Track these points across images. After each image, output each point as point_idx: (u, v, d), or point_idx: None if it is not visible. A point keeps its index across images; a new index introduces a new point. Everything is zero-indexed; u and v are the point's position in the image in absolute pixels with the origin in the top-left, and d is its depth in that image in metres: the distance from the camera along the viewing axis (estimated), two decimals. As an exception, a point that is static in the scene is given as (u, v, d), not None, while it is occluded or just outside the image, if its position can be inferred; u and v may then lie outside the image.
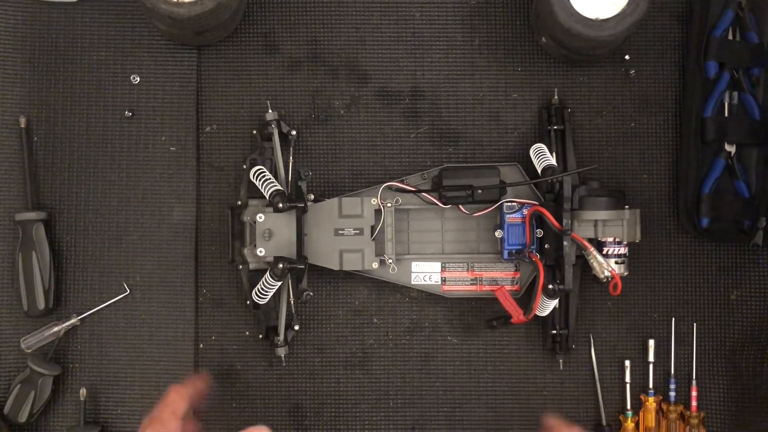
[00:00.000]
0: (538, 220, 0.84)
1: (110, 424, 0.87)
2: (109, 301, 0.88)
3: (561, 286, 0.81)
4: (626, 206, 0.83)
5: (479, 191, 0.83)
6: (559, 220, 0.81)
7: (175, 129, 0.89)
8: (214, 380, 0.88)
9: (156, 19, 0.82)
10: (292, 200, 0.82)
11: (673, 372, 0.88)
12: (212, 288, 0.89)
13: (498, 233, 0.85)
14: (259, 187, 0.82)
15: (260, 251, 0.82)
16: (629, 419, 0.88)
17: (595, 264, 0.80)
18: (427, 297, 0.89)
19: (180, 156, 0.89)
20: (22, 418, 0.85)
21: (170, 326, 0.88)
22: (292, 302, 0.87)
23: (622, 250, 0.83)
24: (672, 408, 0.88)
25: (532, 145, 0.85)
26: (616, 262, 0.83)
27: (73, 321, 0.87)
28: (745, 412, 0.87)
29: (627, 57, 0.89)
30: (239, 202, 0.85)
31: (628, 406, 0.88)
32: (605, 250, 0.82)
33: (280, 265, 0.79)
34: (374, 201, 0.85)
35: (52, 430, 0.87)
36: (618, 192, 0.85)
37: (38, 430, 0.87)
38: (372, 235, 0.84)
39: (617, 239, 0.83)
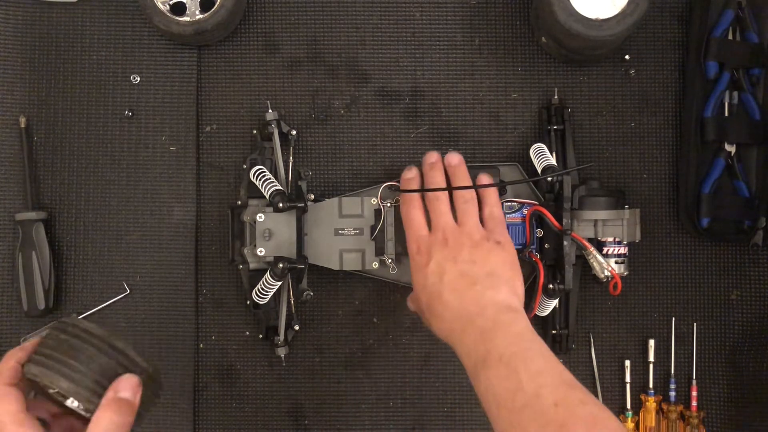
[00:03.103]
0: (538, 220, 0.84)
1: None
2: (109, 301, 0.88)
3: (561, 286, 0.81)
4: (626, 206, 0.83)
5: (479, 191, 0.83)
6: (559, 220, 0.81)
7: (175, 129, 0.89)
8: (214, 380, 0.88)
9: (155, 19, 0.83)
10: (292, 200, 0.82)
11: (673, 372, 0.88)
12: (212, 288, 0.89)
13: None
14: (260, 187, 0.83)
15: (260, 251, 0.82)
16: (629, 419, 0.88)
17: (595, 264, 0.80)
18: (427, 297, 0.89)
19: (180, 156, 0.89)
20: (22, 418, 0.84)
21: (170, 326, 0.88)
22: (292, 302, 0.87)
23: (622, 250, 0.83)
24: (672, 408, 0.88)
25: (532, 145, 0.85)
26: (616, 262, 0.83)
27: (73, 321, 0.87)
28: (745, 412, 0.87)
29: (627, 57, 0.89)
30: (239, 202, 0.85)
31: (628, 406, 0.88)
32: (605, 249, 0.82)
33: (281, 265, 0.79)
34: (374, 201, 0.85)
35: (52, 430, 0.87)
36: (618, 192, 0.85)
37: (38, 430, 0.87)
38: (372, 235, 0.84)
39: (617, 239, 0.83)
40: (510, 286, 0.72)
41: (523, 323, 0.69)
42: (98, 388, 0.62)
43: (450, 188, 0.78)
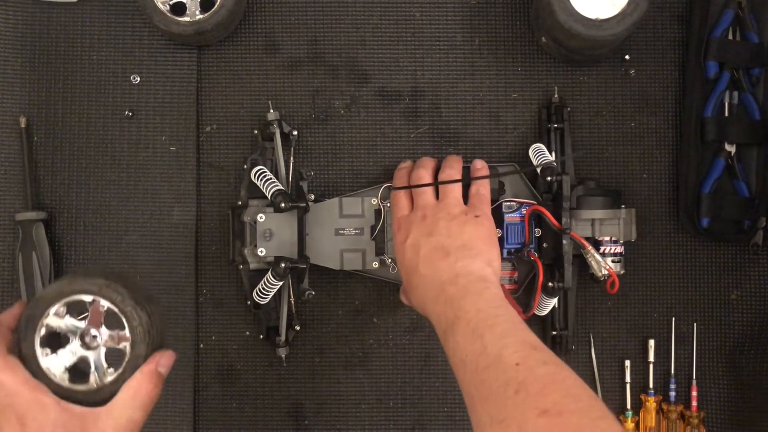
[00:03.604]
0: (537, 220, 0.84)
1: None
2: (109, 301, 0.88)
3: (560, 284, 0.81)
4: (622, 205, 0.83)
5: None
6: (558, 219, 0.81)
7: (175, 129, 0.89)
8: (214, 380, 0.88)
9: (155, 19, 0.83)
10: (293, 200, 0.82)
11: (673, 372, 0.88)
12: (212, 288, 0.89)
13: (497, 232, 0.85)
14: (261, 188, 0.83)
15: (261, 251, 0.82)
16: (629, 419, 0.88)
17: (593, 262, 0.81)
18: (427, 297, 0.89)
19: (180, 156, 0.89)
20: (22, 417, 0.85)
21: (170, 326, 0.88)
22: (292, 302, 0.87)
23: (619, 249, 0.83)
24: (672, 408, 0.88)
25: (531, 145, 0.85)
26: (613, 261, 0.83)
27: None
28: (745, 412, 0.87)
29: (627, 57, 0.89)
30: (239, 203, 0.85)
31: (628, 406, 0.88)
32: (602, 249, 0.83)
33: (282, 265, 0.79)
34: (374, 201, 0.85)
35: (52, 430, 0.87)
36: (614, 192, 0.85)
37: (38, 430, 0.87)
38: (372, 235, 0.84)
39: (613, 238, 0.83)
40: (484, 258, 0.74)
41: (494, 291, 0.70)
42: (157, 341, 0.64)
43: (436, 183, 0.80)
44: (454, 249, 0.74)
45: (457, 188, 0.79)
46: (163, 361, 0.64)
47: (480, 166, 0.83)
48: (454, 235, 0.75)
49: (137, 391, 0.62)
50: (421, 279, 0.74)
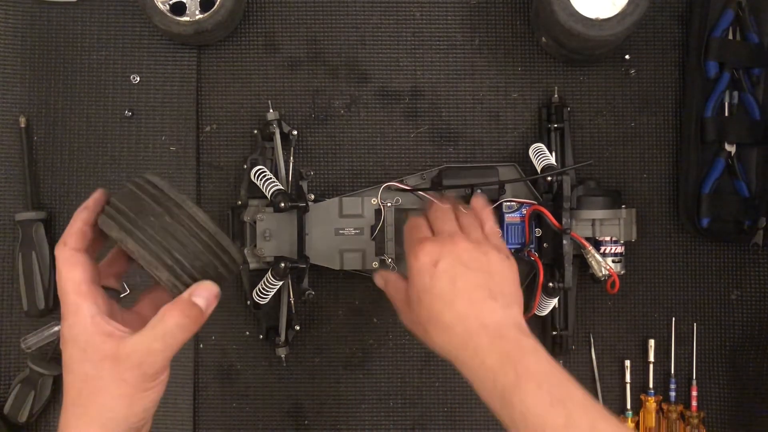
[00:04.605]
0: (537, 219, 0.84)
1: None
2: (109, 301, 0.88)
3: (561, 284, 0.81)
4: (623, 206, 0.84)
5: (478, 191, 0.83)
6: (558, 219, 0.81)
7: (175, 129, 0.89)
8: (214, 380, 0.88)
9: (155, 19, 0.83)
10: (293, 200, 0.82)
11: (673, 372, 0.88)
12: (212, 288, 0.89)
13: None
14: (261, 187, 0.83)
15: (261, 251, 0.82)
16: (629, 419, 0.88)
17: (593, 262, 0.81)
18: (427, 297, 0.89)
19: (180, 156, 0.89)
20: (22, 417, 0.85)
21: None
22: (292, 302, 0.87)
23: (619, 249, 0.83)
24: (672, 408, 0.88)
25: (531, 144, 0.85)
26: (613, 261, 0.83)
27: (73, 321, 0.87)
28: (745, 412, 0.87)
29: (627, 57, 0.89)
30: (239, 202, 0.85)
31: (628, 406, 0.88)
32: (602, 249, 0.83)
33: (282, 265, 0.79)
34: (374, 201, 0.85)
35: (52, 430, 0.87)
36: (614, 192, 0.85)
37: (38, 430, 0.87)
38: (372, 235, 0.84)
39: (614, 238, 0.83)
40: (518, 305, 0.68)
41: (543, 350, 0.64)
42: (195, 275, 0.60)
43: (454, 186, 0.79)
44: (497, 293, 0.66)
45: (478, 225, 0.72)
46: (199, 290, 0.59)
47: (480, 205, 0.75)
48: (495, 275, 0.67)
49: (160, 321, 0.58)
50: (457, 319, 0.65)
